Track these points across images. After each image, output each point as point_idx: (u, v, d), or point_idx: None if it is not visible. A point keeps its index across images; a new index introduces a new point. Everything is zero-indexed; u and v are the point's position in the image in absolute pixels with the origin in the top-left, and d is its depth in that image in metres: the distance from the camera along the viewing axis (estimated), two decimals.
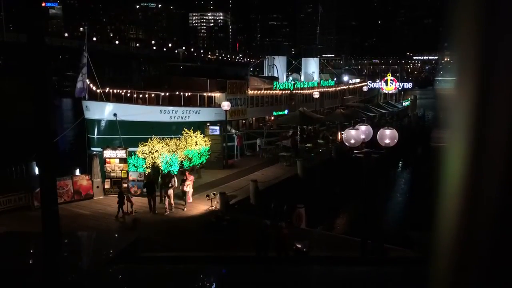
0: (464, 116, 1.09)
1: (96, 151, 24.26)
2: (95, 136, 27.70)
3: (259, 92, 38.61)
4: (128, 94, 31.34)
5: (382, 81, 64.19)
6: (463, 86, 1.11)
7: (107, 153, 21.89)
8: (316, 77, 54.64)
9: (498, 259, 1.08)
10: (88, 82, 26.84)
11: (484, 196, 1.08)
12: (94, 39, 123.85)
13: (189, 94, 32.71)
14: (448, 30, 1.13)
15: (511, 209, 1.05)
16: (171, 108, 30.65)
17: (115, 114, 27.25)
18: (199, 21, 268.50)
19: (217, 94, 33.85)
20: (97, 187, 21.22)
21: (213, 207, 18.85)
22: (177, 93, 32.10)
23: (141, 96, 31.51)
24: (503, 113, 1.04)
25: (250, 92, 37.15)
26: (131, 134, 26.45)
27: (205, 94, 33.56)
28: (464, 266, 1.13)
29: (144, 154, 22.67)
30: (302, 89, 45.61)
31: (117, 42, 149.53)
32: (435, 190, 1.20)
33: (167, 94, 31.95)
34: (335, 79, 56.37)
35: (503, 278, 1.08)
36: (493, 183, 1.05)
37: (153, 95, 31.68)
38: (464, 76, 1.10)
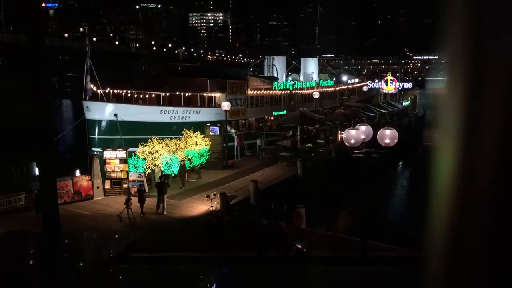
0: (455, 115, 1.10)
1: (97, 151, 24.29)
2: (96, 136, 27.72)
3: (258, 92, 38.65)
4: (129, 95, 31.36)
5: (382, 81, 64.14)
6: (454, 85, 1.11)
7: (107, 153, 21.89)
8: (315, 77, 54.66)
9: (489, 258, 1.08)
10: (89, 82, 27.00)
11: (476, 195, 1.08)
12: (94, 39, 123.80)
13: (189, 94, 32.72)
14: (440, 29, 1.14)
15: (502, 209, 1.06)
16: (171, 108, 30.67)
17: (115, 115, 27.26)
18: (199, 21, 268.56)
19: (217, 94, 33.87)
20: (97, 187, 21.22)
21: (213, 208, 18.84)
22: (177, 93, 32.12)
23: (141, 96, 31.54)
24: (494, 113, 1.04)
25: (250, 92, 37.19)
26: (132, 134, 26.47)
27: (205, 94, 33.58)
28: (455, 265, 1.13)
29: (144, 155, 22.68)
30: (301, 89, 45.62)
31: (117, 42, 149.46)
32: (427, 189, 1.21)
33: (167, 94, 31.96)
34: (334, 79, 56.38)
35: (495, 277, 1.09)
36: (484, 182, 1.06)
37: (153, 95, 31.70)
38: (455, 75, 1.11)
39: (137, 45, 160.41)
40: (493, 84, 1.04)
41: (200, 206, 19.47)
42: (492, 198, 1.06)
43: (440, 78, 1.18)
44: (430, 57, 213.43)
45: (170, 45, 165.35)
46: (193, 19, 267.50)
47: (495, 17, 1.03)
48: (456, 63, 1.10)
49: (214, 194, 19.19)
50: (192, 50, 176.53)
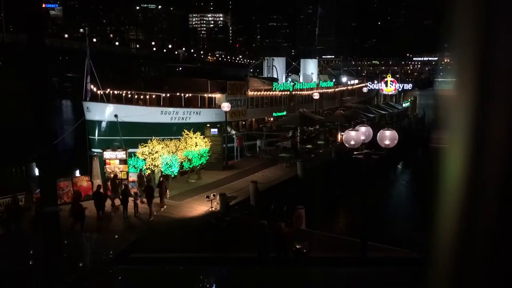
0: (464, 117, 1.10)
1: (97, 152, 24.25)
2: (96, 137, 27.66)
3: (259, 93, 38.66)
4: (129, 95, 31.33)
5: (382, 82, 64.13)
6: (463, 87, 1.11)
7: (107, 154, 21.88)
8: (315, 78, 54.67)
9: (496, 260, 1.08)
10: (89, 82, 27.01)
11: (483, 197, 1.08)
12: (94, 40, 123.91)
13: (190, 95, 32.70)
14: (447, 31, 1.14)
15: (509, 210, 1.06)
16: (171, 109, 30.64)
17: (116, 115, 27.19)
18: (199, 22, 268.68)
19: (217, 95, 33.86)
20: None
21: (213, 208, 18.84)
22: (177, 94, 32.10)
23: (141, 97, 31.53)
24: (502, 114, 1.04)
25: (250, 93, 37.18)
26: (132, 135, 26.43)
27: (205, 95, 33.56)
28: (462, 266, 1.13)
29: (144, 155, 22.67)
30: (301, 90, 45.64)
31: (117, 43, 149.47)
32: (434, 190, 1.20)
33: (168, 95, 31.95)
34: (333, 80, 56.38)
35: (501, 279, 1.09)
36: (492, 184, 1.06)
37: (153, 96, 31.70)
38: (463, 77, 1.11)
39: (137, 45, 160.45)
40: (501, 85, 1.04)
41: (200, 207, 19.46)
42: (501, 199, 1.06)
43: (445, 79, 1.18)
44: (430, 59, 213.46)
45: (170, 46, 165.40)
46: (193, 20, 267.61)
47: (504, 19, 1.03)
48: (464, 64, 1.10)
49: (214, 195, 19.20)
50: (192, 51, 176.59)
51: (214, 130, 27.92)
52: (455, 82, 1.12)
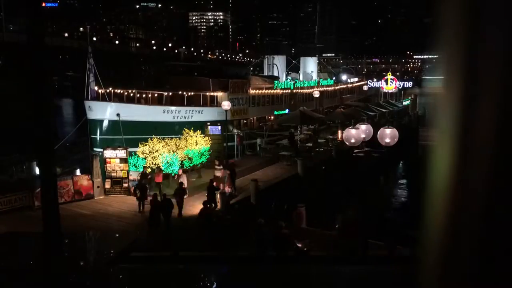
0: (451, 114, 1.10)
1: (99, 151, 24.18)
2: (98, 136, 27.56)
3: (260, 91, 38.57)
4: (131, 94, 31.25)
5: (382, 80, 64.06)
6: (450, 84, 1.11)
7: (108, 153, 21.91)
8: (314, 76, 54.60)
9: (483, 257, 1.09)
10: (92, 81, 26.96)
11: (471, 194, 1.09)
12: (94, 38, 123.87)
13: (192, 93, 32.60)
14: (436, 28, 1.14)
15: (497, 208, 1.06)
16: (174, 108, 30.52)
17: (118, 114, 27.06)
18: (199, 20, 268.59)
19: (219, 94, 33.75)
20: (98, 187, 21.25)
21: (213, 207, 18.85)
22: (179, 92, 32.01)
23: (143, 96, 31.47)
24: (489, 112, 1.05)
25: (251, 91, 37.08)
26: (134, 134, 26.27)
27: (207, 93, 33.45)
28: (450, 264, 1.14)
29: (145, 154, 22.69)
30: (302, 88, 45.59)
31: (117, 42, 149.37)
32: (423, 188, 1.21)
33: (170, 93, 31.86)
34: (333, 78, 56.33)
35: (487, 277, 1.09)
36: (479, 182, 1.06)
37: (155, 94, 31.64)
38: (450, 74, 1.11)
39: (137, 44, 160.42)
40: (488, 83, 1.04)
41: (200, 205, 19.42)
42: (487, 198, 1.06)
43: (435, 77, 1.18)
44: (430, 56, 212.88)
45: (170, 45, 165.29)
46: (193, 18, 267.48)
47: (490, 16, 1.03)
48: (451, 62, 1.10)
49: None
50: (192, 49, 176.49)
51: (215, 128, 27.78)
52: (443, 79, 1.12)
